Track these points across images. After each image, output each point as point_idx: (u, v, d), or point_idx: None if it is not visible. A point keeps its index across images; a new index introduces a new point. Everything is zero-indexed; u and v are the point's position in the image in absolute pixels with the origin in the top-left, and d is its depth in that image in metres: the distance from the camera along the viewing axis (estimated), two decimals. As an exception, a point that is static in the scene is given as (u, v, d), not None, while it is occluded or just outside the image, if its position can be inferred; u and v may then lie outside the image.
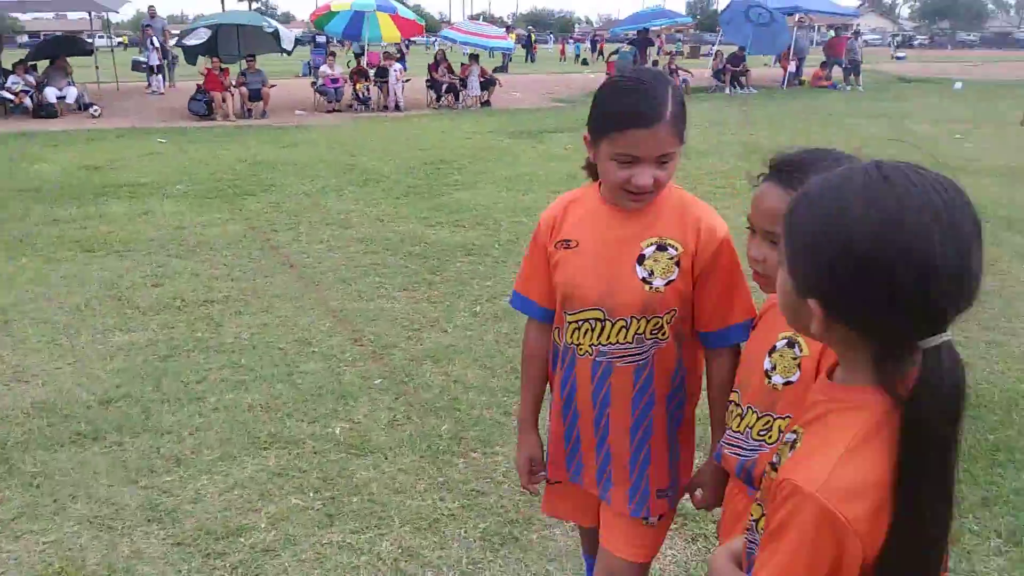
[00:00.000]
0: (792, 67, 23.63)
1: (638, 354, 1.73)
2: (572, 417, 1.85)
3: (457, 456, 3.34)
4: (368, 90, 17.60)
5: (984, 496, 3.04)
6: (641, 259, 1.69)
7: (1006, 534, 2.82)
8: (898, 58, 40.44)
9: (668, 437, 1.82)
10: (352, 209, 7.85)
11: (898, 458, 0.95)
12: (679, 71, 22.23)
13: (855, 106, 18.22)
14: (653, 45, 23.07)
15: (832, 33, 26.17)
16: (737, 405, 1.62)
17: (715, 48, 25.84)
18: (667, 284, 1.68)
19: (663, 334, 1.72)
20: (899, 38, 70.12)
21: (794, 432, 1.11)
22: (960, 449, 0.98)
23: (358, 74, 17.64)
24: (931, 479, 0.95)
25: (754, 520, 1.22)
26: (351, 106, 17.40)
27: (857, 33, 26.63)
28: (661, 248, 1.69)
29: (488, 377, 4.09)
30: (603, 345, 1.74)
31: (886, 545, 0.95)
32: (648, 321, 1.70)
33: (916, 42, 70.23)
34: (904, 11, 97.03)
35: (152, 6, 20.67)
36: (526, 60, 40.74)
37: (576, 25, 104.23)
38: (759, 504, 1.21)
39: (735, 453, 1.60)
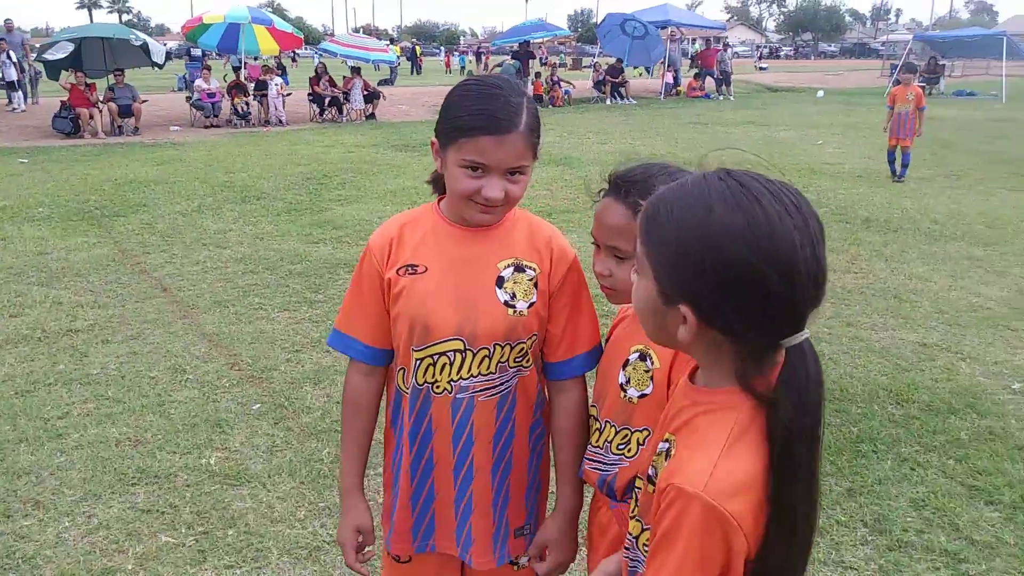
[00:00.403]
0: (669, 78, 24.50)
1: (501, 385, 1.60)
2: (425, 471, 1.63)
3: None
4: (247, 105, 17.10)
5: (849, 487, 3.20)
6: (500, 281, 1.56)
7: (871, 523, 2.97)
8: (761, 68, 42.55)
9: (528, 472, 1.69)
10: (230, 228, 7.58)
11: (768, 453, 0.98)
12: (562, 83, 22.66)
13: (727, 115, 19.06)
14: (535, 58, 23.40)
15: (698, 46, 27.31)
16: (595, 420, 1.61)
17: (595, 60, 26.51)
18: (529, 307, 1.57)
19: (527, 361, 1.61)
20: (765, 50, 73.97)
21: (666, 441, 1.13)
22: (823, 442, 1.03)
23: (236, 88, 17.11)
24: (799, 472, 0.98)
25: (634, 537, 1.22)
26: (230, 121, 16.85)
27: (726, 45, 27.89)
28: (519, 269, 1.57)
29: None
30: (464, 379, 1.57)
31: (763, 539, 0.97)
32: (512, 348, 1.57)
33: (782, 53, 74.13)
34: (770, 24, 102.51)
35: (9, 19, 19.37)
36: (412, 73, 40.62)
37: (461, 37, 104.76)
38: (637, 520, 1.21)
39: (596, 468, 1.59)
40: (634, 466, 1.51)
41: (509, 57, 23.97)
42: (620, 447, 1.54)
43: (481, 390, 1.58)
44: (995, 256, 6.61)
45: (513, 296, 1.56)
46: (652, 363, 1.48)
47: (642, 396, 1.49)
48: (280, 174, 10.50)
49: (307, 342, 4.74)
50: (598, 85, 23.16)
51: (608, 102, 22.20)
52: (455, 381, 1.57)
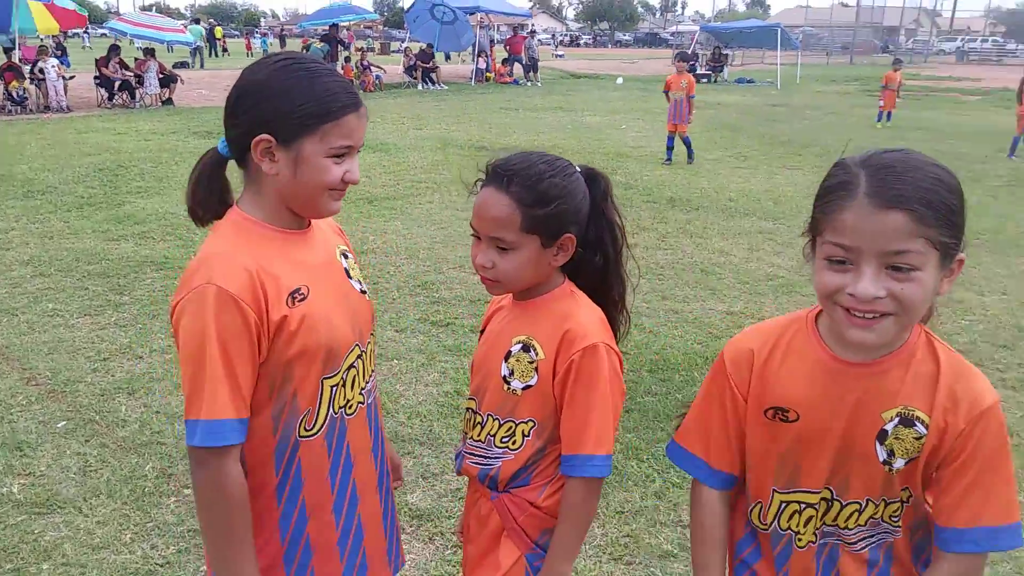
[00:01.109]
0: (481, 63, 24.77)
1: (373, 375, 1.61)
2: (351, 503, 1.51)
3: (167, 496, 3.03)
4: (24, 90, 15.38)
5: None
6: (348, 272, 1.55)
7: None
8: (558, 56, 44.02)
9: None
10: (12, 227, 6.80)
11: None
12: (372, 67, 22.27)
13: (535, 100, 19.59)
14: (344, 42, 22.81)
15: (506, 32, 27.83)
16: (476, 413, 1.60)
17: (405, 45, 26.28)
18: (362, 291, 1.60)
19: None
20: (565, 38, 76.66)
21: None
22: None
23: (10, 71, 15.34)
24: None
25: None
26: (3, 108, 15.10)
27: (532, 32, 28.60)
28: (344, 255, 1.58)
29: (196, 402, 3.76)
30: (367, 383, 1.53)
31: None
32: (373, 336, 1.60)
33: (582, 41, 77.13)
34: (570, 13, 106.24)
35: None
36: (210, 55, 38.31)
37: (262, 19, 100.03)
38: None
39: (476, 463, 1.58)
40: (518, 459, 1.52)
41: (317, 40, 23.22)
42: (504, 440, 1.54)
43: (373, 387, 1.60)
44: (783, 229, 7.27)
45: (356, 279, 1.58)
46: (537, 354, 1.49)
47: (526, 387, 1.50)
48: (67, 165, 9.54)
49: (115, 349, 4.35)
50: (409, 70, 23.00)
51: (420, 87, 22.12)
52: (364, 389, 1.52)
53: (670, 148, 10.89)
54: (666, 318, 5.01)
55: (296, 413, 1.39)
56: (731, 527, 1.45)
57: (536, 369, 1.49)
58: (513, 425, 1.52)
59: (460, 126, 14.28)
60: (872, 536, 1.32)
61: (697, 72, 27.89)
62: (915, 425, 1.23)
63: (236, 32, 62.59)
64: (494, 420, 1.55)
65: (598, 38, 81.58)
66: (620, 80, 26.33)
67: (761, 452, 1.36)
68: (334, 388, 1.43)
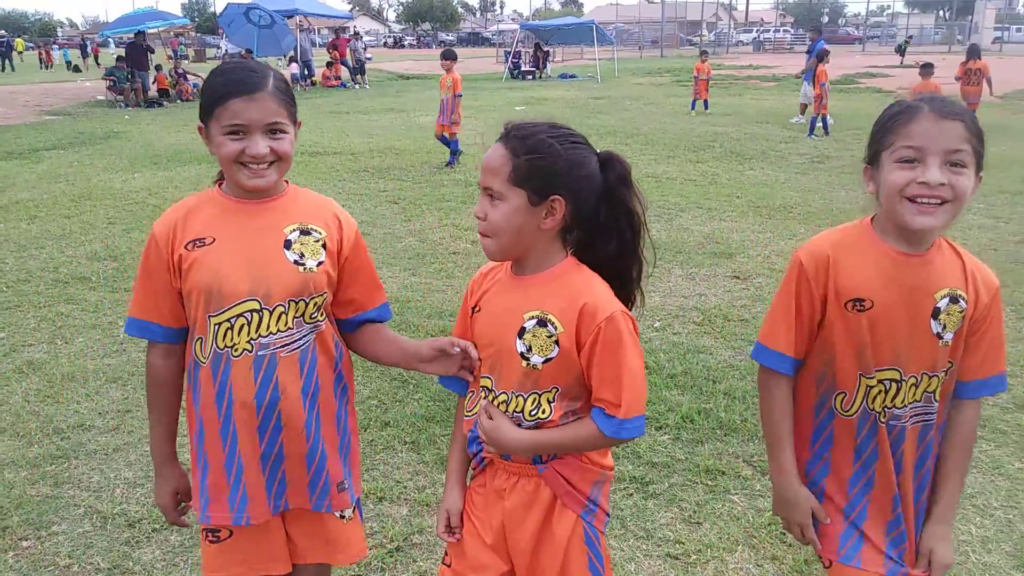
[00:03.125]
0: (303, 69, 24.09)
1: (300, 340, 1.71)
2: (232, 434, 1.70)
3: (3, 551, 2.74)
4: None
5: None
6: (288, 244, 1.69)
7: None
8: (367, 59, 43.45)
9: (337, 426, 1.81)
10: None
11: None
12: (187, 75, 21.14)
13: (366, 103, 19.31)
14: (152, 50, 21.45)
15: (329, 36, 27.26)
16: (491, 391, 1.65)
17: (223, 52, 25.10)
18: (319, 265, 1.71)
19: (321, 315, 1.75)
20: (389, 39, 76.13)
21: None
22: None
23: None
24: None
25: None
26: None
27: (357, 34, 28.18)
28: (305, 232, 1.72)
29: (25, 447, 3.43)
30: (263, 337, 1.67)
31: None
32: (307, 303, 1.70)
33: (406, 43, 76.83)
34: (391, 15, 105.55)
35: None
36: (2, 69, 34.99)
37: (59, 28, 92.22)
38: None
39: None
40: (553, 423, 1.61)
41: (124, 49, 21.72)
42: (533, 412, 1.61)
43: (281, 346, 1.69)
44: (620, 216, 7.57)
45: (302, 256, 1.70)
46: (556, 328, 1.56)
47: (547, 361, 1.57)
48: None
49: (-80, 398, 3.87)
50: (228, 77, 21.97)
51: (242, 95, 21.18)
52: (255, 339, 1.67)
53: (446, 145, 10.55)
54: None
55: (193, 337, 1.72)
56: (797, 426, 1.73)
57: (556, 342, 1.56)
58: (537, 396, 1.60)
59: (289, 133, 13.80)
60: (921, 413, 1.66)
61: (522, 69, 28.64)
62: (959, 302, 1.60)
63: (31, 44, 57.36)
64: (518, 396, 1.61)
65: (422, 39, 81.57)
66: (448, 80, 26.42)
67: (845, 342, 1.63)
68: (217, 326, 1.66)
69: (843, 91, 20.57)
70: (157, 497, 1.86)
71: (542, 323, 1.56)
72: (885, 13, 77.49)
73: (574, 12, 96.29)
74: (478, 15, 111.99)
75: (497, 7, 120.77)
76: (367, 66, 26.36)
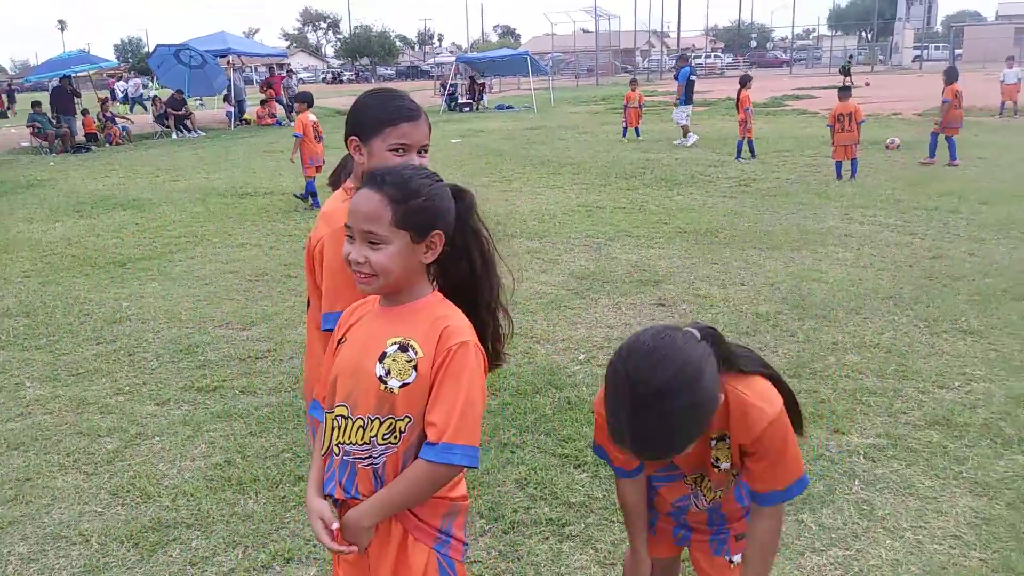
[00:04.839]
0: (232, 108, 23.83)
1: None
2: None
3: None
4: None
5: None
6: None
7: (487, 512, 3.18)
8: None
9: None
10: None
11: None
12: (117, 119, 20.73)
13: (302, 141, 19.12)
14: (78, 94, 20.97)
15: (265, 73, 27.07)
16: (347, 419, 1.67)
17: (153, 93, 24.73)
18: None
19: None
20: (328, 75, 76.00)
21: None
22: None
23: None
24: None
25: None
26: None
27: (290, 72, 28.01)
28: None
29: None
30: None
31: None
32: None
33: (345, 77, 76.74)
34: (329, 50, 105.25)
35: None
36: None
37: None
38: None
39: (370, 464, 1.66)
40: (398, 453, 1.64)
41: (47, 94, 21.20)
42: (386, 436, 1.64)
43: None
44: (548, 246, 7.60)
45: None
46: (416, 353, 1.62)
47: (404, 385, 1.62)
48: None
49: None
50: (160, 119, 21.64)
51: (175, 136, 20.87)
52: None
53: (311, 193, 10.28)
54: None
55: None
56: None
57: (415, 367, 1.62)
58: (393, 422, 1.63)
59: (222, 173, 13.64)
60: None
61: (459, 102, 28.80)
62: None
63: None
64: (374, 420, 1.64)
65: (360, 73, 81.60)
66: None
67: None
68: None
69: (770, 113, 21.15)
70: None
71: (403, 348, 1.63)
72: (811, 36, 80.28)
73: (512, 43, 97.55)
74: (416, 48, 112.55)
75: (435, 40, 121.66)
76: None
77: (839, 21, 72.19)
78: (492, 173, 12.65)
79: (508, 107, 28.46)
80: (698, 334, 1.61)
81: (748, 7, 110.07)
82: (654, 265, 6.81)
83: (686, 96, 15.90)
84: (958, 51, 47.17)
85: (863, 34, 68.86)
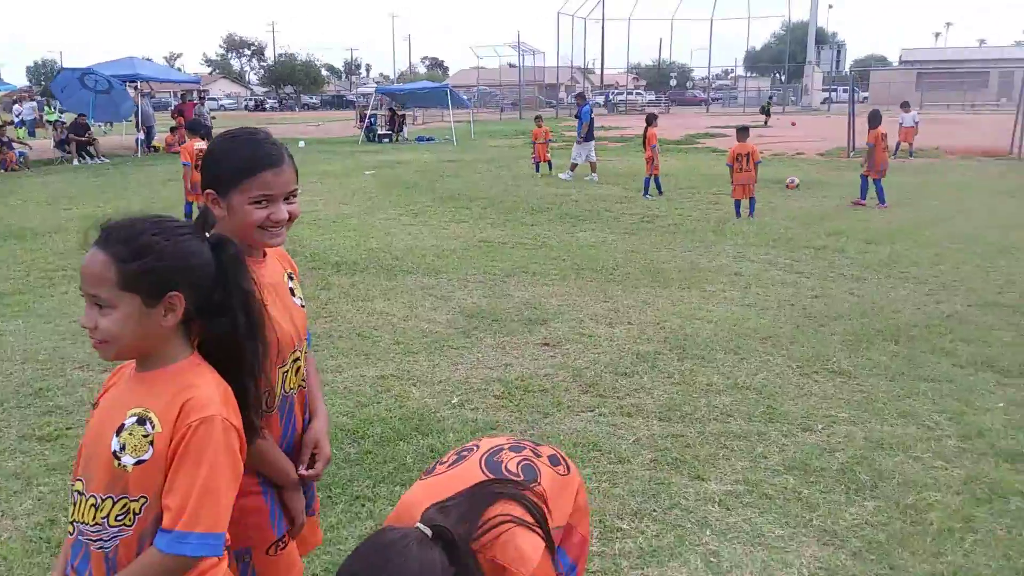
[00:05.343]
0: (141, 134, 23.14)
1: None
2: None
3: None
4: None
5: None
6: (292, 291, 2.04)
7: (322, 572, 3.02)
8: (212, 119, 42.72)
9: None
10: None
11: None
12: (14, 143, 19.82)
13: (211, 169, 18.62)
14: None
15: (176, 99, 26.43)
16: (81, 495, 1.53)
17: (56, 117, 23.82)
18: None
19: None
20: (251, 102, 74.91)
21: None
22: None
23: None
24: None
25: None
26: None
27: (202, 98, 27.41)
28: (291, 278, 2.05)
29: None
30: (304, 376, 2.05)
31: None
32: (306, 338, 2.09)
33: (268, 105, 75.75)
34: (253, 77, 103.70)
35: None
36: None
37: None
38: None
39: (101, 547, 1.51)
40: (134, 535, 1.49)
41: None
42: (119, 517, 1.50)
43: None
44: (443, 283, 7.48)
45: (301, 298, 2.02)
46: (153, 427, 1.48)
47: (139, 463, 1.48)
48: None
49: None
50: (61, 144, 20.79)
51: (76, 163, 20.05)
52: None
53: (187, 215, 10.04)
54: (332, 378, 4.86)
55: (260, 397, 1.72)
56: None
57: (151, 443, 1.48)
58: (127, 502, 1.49)
59: (121, 202, 13.10)
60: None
61: (378, 133, 28.66)
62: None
63: None
64: (106, 499, 1.50)
65: (284, 102, 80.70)
66: (302, 143, 26.05)
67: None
68: (284, 374, 1.87)
69: (683, 151, 21.70)
70: None
71: (141, 421, 1.50)
72: (728, 76, 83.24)
73: (439, 76, 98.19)
74: (343, 78, 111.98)
75: (363, 70, 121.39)
76: (214, 131, 25.59)
77: (754, 63, 75.07)
78: (400, 207, 12.51)
79: (429, 139, 28.47)
80: (429, 532, 1.50)
81: (668, 47, 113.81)
82: (545, 303, 6.76)
83: (588, 133, 16.14)
84: (865, 94, 49.61)
85: (777, 76, 71.75)
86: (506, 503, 1.67)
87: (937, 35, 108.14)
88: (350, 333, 6.01)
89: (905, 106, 21.31)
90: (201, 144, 10.41)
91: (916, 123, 20.40)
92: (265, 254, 1.93)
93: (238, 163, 1.80)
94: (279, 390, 1.87)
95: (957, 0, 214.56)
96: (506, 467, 1.82)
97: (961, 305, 6.56)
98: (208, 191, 1.82)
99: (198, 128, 10.50)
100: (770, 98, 41.60)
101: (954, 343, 5.57)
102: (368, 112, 30.60)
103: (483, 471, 1.79)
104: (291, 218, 1.86)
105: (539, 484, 1.79)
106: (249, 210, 1.79)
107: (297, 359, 1.93)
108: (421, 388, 4.91)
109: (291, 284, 1.99)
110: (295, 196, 1.88)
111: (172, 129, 24.09)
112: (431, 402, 4.68)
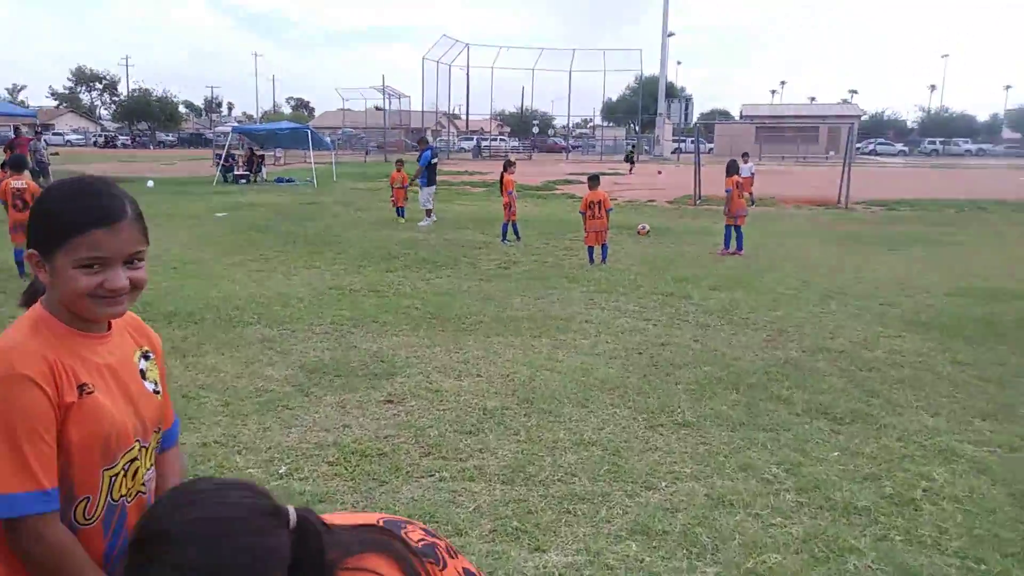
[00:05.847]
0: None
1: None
2: None
3: None
4: None
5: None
6: (143, 374, 1.67)
7: None
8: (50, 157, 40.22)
9: None
10: None
11: None
12: None
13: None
14: None
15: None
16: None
17: None
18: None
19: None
20: (100, 138, 70.88)
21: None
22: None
23: None
24: None
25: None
26: None
27: (39, 133, 25.53)
28: (147, 357, 1.70)
29: None
30: (144, 481, 1.64)
31: None
32: (157, 432, 1.70)
33: (119, 142, 71.92)
34: (104, 112, 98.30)
35: None
36: None
37: None
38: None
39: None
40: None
41: None
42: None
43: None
44: (286, 335, 7.04)
45: (155, 383, 1.69)
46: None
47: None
48: None
49: None
50: None
51: None
52: (146, 481, 1.63)
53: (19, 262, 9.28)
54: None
55: (71, 502, 1.49)
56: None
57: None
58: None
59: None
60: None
61: (236, 173, 27.59)
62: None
63: None
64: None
65: (137, 138, 76.86)
66: (151, 183, 24.68)
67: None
68: (113, 478, 1.55)
69: (542, 196, 22.06)
70: None
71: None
72: (587, 125, 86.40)
73: (305, 116, 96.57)
74: (203, 115, 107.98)
75: (224, 108, 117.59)
76: (52, 168, 23.81)
77: (611, 114, 78.31)
78: (249, 251, 11.90)
79: (289, 180, 27.70)
80: (294, 517, 1.27)
81: (531, 95, 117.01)
82: (393, 355, 6.47)
83: (428, 178, 16.08)
84: (710, 145, 52.63)
85: (632, 126, 75.08)
86: (388, 562, 1.34)
87: (773, 92, 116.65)
88: (174, 394, 5.42)
89: (745, 156, 22.63)
90: (19, 182, 9.51)
91: (752, 173, 21.65)
92: (110, 326, 1.61)
93: (63, 218, 1.48)
94: (103, 498, 1.54)
95: (791, 60, 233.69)
96: (407, 534, 1.50)
97: (796, 351, 6.78)
98: (31, 252, 1.52)
99: (19, 165, 9.58)
100: (632, 146, 43.35)
101: (790, 390, 5.71)
102: (224, 151, 29.45)
103: (380, 524, 1.48)
104: (135, 287, 1.54)
105: (439, 569, 1.45)
106: (75, 275, 1.48)
107: (135, 459, 1.59)
108: (246, 456, 4.49)
109: (143, 365, 1.67)
110: (141, 259, 1.55)
111: (2, 165, 22.22)
112: (256, 472, 4.27)
